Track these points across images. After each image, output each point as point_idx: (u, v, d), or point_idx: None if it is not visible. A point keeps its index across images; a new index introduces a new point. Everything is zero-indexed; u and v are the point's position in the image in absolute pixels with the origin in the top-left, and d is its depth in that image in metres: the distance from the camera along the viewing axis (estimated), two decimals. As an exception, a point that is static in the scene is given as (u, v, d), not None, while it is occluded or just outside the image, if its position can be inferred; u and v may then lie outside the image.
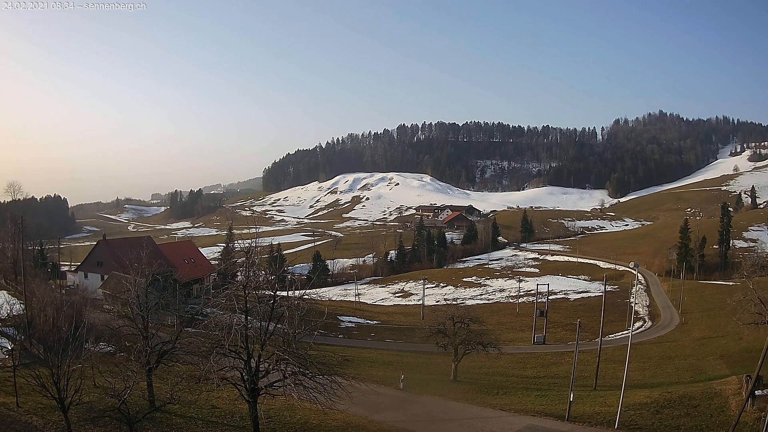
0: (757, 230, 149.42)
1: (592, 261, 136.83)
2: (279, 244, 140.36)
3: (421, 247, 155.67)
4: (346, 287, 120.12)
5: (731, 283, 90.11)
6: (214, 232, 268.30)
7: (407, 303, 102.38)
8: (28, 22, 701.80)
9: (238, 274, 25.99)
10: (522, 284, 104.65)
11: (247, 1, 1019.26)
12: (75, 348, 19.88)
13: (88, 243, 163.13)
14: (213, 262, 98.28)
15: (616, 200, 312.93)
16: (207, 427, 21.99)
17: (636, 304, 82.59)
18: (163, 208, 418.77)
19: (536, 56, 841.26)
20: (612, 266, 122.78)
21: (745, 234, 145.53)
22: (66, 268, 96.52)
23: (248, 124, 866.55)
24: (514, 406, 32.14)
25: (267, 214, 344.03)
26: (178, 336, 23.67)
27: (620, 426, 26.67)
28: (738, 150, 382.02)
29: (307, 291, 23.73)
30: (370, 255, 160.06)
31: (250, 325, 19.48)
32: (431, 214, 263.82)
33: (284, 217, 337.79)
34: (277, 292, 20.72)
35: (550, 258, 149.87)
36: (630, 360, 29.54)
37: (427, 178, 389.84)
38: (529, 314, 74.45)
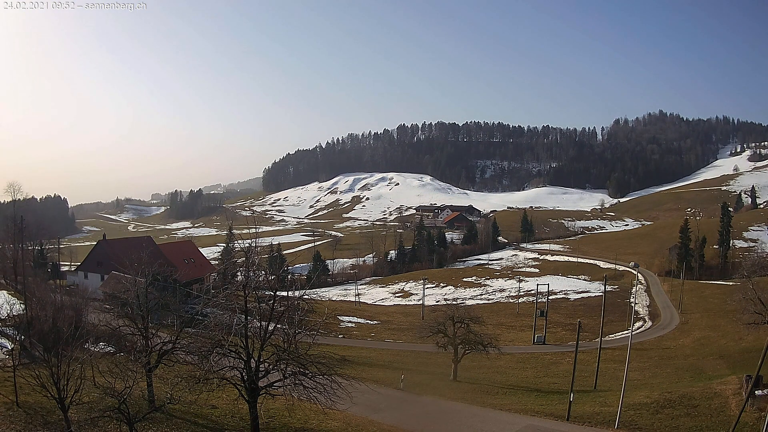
0: (757, 230, 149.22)
1: (592, 261, 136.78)
2: (279, 244, 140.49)
3: (421, 247, 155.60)
4: (346, 287, 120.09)
5: (731, 283, 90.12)
6: (214, 232, 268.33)
7: (407, 303, 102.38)
8: (26, 21, 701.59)
9: (238, 274, 25.93)
10: (522, 284, 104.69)
11: (247, 2, 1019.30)
12: (75, 348, 19.87)
13: (88, 243, 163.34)
14: (213, 262, 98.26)
15: (616, 200, 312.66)
16: (207, 427, 21.99)
17: (636, 304, 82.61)
18: (163, 208, 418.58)
19: (536, 56, 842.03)
20: (612, 266, 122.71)
21: (745, 234, 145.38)
22: (66, 268, 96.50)
23: (249, 123, 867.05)
24: (514, 406, 32.16)
25: (267, 214, 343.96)
26: (178, 336, 23.65)
27: (620, 426, 26.69)
28: (738, 150, 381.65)
29: (307, 291, 23.66)
30: (370, 255, 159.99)
31: (250, 325, 19.48)
32: (431, 214, 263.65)
33: (284, 217, 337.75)
34: (277, 292, 20.71)
35: (550, 258, 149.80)
36: (630, 360, 29.57)
37: (427, 178, 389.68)
38: (529, 314, 74.47)
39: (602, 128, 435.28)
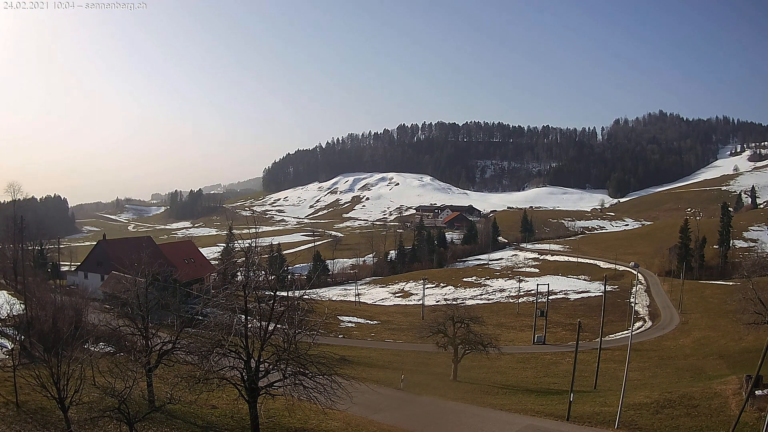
0: (757, 230, 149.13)
1: (592, 261, 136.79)
2: (279, 244, 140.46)
3: (421, 247, 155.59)
4: (346, 287, 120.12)
5: (731, 283, 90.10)
6: (214, 232, 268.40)
7: (407, 303, 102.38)
8: (27, 21, 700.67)
9: (238, 274, 25.95)
10: (522, 284, 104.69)
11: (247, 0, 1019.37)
12: (75, 348, 19.85)
13: (88, 243, 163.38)
14: (213, 262, 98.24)
15: (616, 200, 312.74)
16: (207, 427, 21.99)
17: (636, 304, 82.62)
18: (163, 208, 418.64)
19: (537, 56, 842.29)
20: (612, 266, 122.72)
21: (745, 234, 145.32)
22: (66, 268, 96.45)
23: (248, 123, 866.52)
24: (514, 406, 32.15)
25: (267, 214, 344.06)
26: (178, 336, 23.64)
27: (620, 426, 26.69)
28: (738, 150, 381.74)
29: (307, 291, 23.66)
30: (370, 255, 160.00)
31: (249, 325, 19.47)
32: (431, 214, 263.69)
33: (284, 217, 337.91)
34: (277, 292, 20.70)
35: (550, 258, 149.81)
36: (630, 360, 29.58)
37: (427, 178, 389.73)
38: (529, 314, 74.48)
39: (602, 128, 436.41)
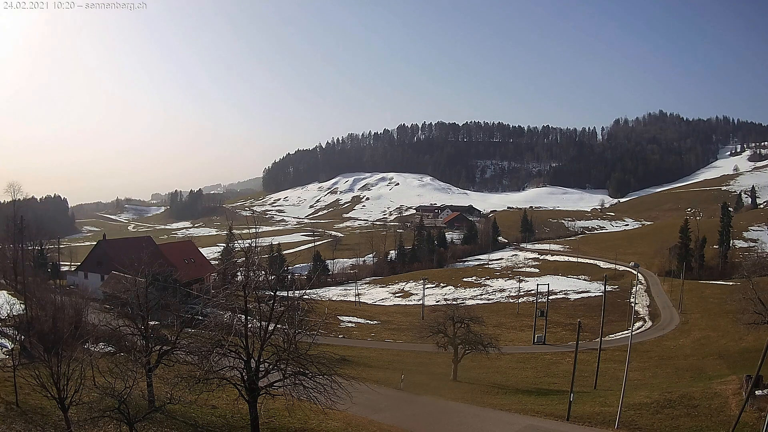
0: (757, 230, 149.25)
1: (592, 261, 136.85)
2: (279, 244, 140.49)
3: (421, 247, 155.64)
4: (346, 287, 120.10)
5: (731, 283, 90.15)
6: (214, 232, 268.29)
7: (407, 303, 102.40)
8: (26, 22, 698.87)
9: (238, 274, 25.95)
10: (522, 284, 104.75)
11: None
12: (75, 348, 19.84)
13: (88, 243, 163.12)
14: (213, 262, 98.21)
15: (616, 200, 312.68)
16: (207, 427, 21.99)
17: (636, 304, 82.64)
18: (163, 208, 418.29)
19: (537, 56, 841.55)
20: (612, 266, 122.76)
21: (745, 234, 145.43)
22: (66, 268, 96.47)
23: (248, 123, 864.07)
24: (514, 406, 32.16)
25: (267, 214, 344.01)
26: (178, 336, 23.64)
27: (620, 426, 26.70)
28: (738, 150, 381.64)
29: (307, 291, 23.69)
30: (370, 255, 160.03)
31: (249, 325, 19.48)
32: (431, 214, 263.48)
33: (284, 217, 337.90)
34: (277, 292, 20.70)
35: (550, 258, 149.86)
36: (630, 360, 29.59)
37: (427, 178, 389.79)
38: (529, 314, 74.51)
39: (602, 128, 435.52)
